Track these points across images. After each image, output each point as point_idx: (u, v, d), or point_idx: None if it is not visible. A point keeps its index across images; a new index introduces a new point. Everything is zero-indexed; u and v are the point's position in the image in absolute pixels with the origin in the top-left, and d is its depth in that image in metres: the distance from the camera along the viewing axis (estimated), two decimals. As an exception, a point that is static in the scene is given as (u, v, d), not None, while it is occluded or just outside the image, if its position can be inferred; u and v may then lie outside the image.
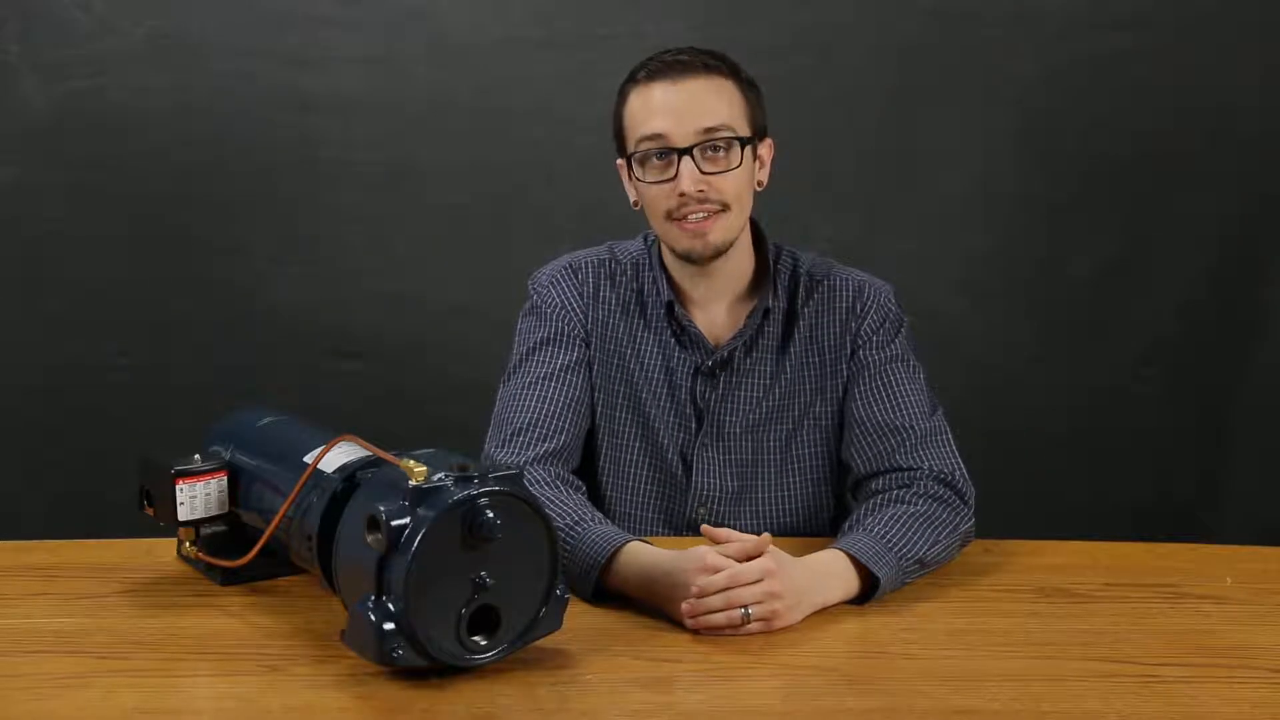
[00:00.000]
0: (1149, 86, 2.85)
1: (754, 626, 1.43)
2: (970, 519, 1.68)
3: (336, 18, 2.79)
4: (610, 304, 1.83)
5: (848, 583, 1.52)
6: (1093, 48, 2.84)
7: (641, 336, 1.82)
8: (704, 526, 1.53)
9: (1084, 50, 2.84)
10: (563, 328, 1.81)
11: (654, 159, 1.70)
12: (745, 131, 1.71)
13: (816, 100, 2.80)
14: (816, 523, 1.82)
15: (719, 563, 1.45)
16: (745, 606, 1.42)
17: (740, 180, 1.71)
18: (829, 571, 1.52)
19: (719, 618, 1.43)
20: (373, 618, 1.26)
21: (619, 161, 1.78)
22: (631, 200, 1.78)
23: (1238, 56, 2.85)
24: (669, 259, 1.81)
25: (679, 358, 1.81)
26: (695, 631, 1.44)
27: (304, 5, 2.78)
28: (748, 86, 1.74)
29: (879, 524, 1.59)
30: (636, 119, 1.72)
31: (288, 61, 2.79)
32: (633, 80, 1.73)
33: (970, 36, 2.84)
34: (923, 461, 1.70)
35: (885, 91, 2.85)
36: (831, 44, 2.83)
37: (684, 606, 1.44)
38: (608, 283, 1.84)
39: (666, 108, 1.69)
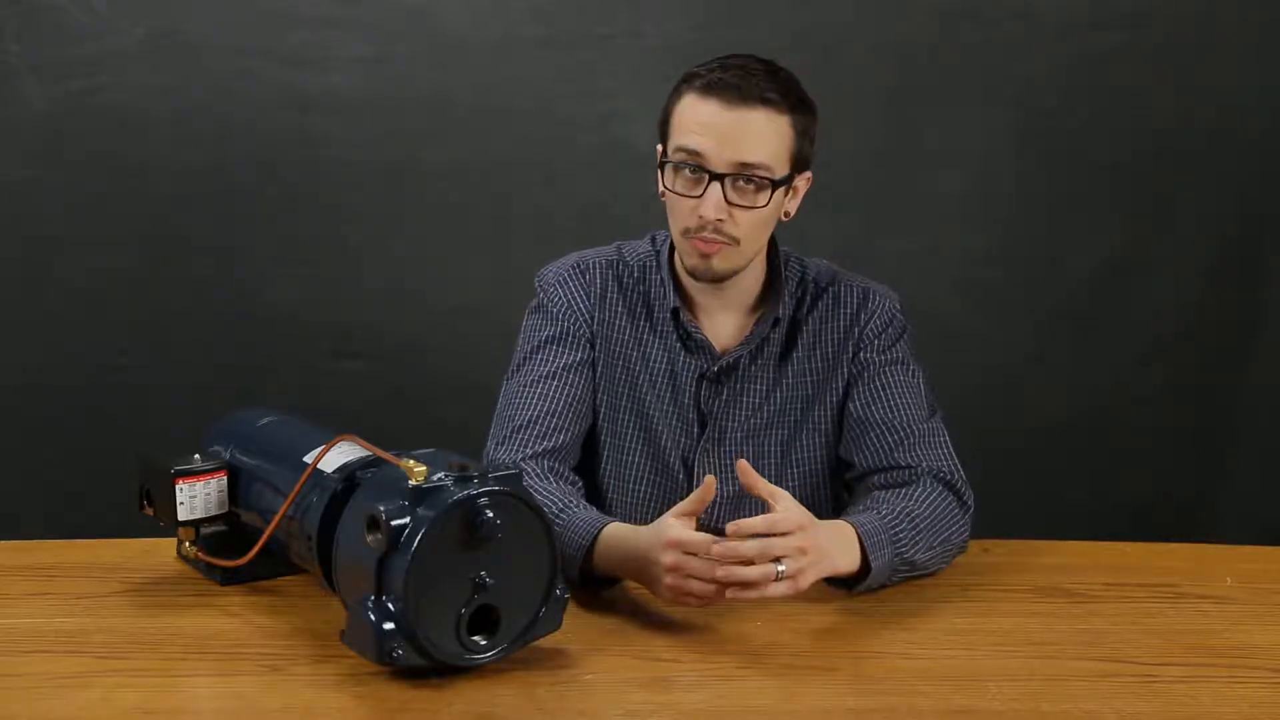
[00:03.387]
0: (1149, 86, 2.85)
1: (780, 586, 1.41)
2: (966, 528, 1.68)
3: (336, 18, 2.79)
4: (617, 306, 1.83)
5: (853, 557, 1.52)
6: (1093, 48, 2.84)
7: (647, 339, 1.82)
8: (729, 525, 1.46)
9: (1084, 50, 2.84)
10: (568, 327, 1.80)
11: (686, 172, 1.67)
12: (783, 171, 1.67)
13: (817, 100, 2.79)
14: (814, 524, 1.82)
15: (681, 535, 1.44)
16: (779, 560, 1.41)
17: (761, 219, 1.68)
18: (843, 540, 1.52)
19: (753, 571, 1.40)
20: (373, 618, 1.26)
21: (658, 147, 1.75)
22: (659, 190, 1.75)
23: (1238, 56, 2.85)
24: (680, 267, 1.80)
25: (684, 362, 1.80)
26: (689, 615, 1.43)
27: (304, 5, 2.78)
28: (803, 120, 1.69)
29: (892, 514, 1.58)
30: (682, 125, 1.68)
31: (288, 61, 2.79)
32: (692, 82, 1.68)
33: (970, 36, 2.83)
34: (921, 460, 1.70)
35: (885, 91, 2.85)
36: (831, 44, 2.82)
37: (716, 549, 1.41)
38: (615, 284, 1.83)
39: (712, 128, 1.64)
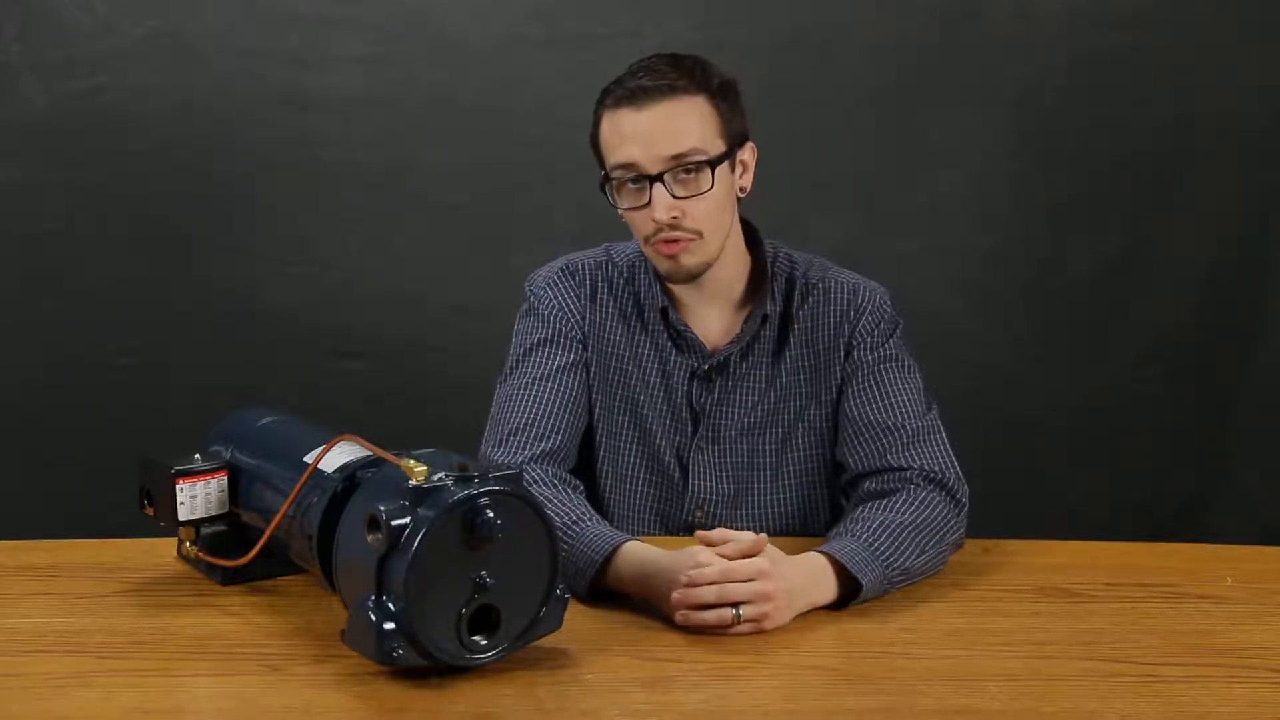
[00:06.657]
0: (1149, 86, 2.85)
1: (744, 627, 1.43)
2: (961, 526, 1.67)
3: (336, 18, 2.79)
4: (607, 306, 1.83)
5: (829, 588, 1.52)
6: (1093, 48, 2.84)
7: (639, 339, 1.82)
8: (698, 532, 1.52)
9: (1084, 50, 2.84)
10: (560, 329, 1.81)
11: (628, 185, 1.69)
12: (718, 149, 1.68)
13: (816, 100, 2.80)
14: (812, 525, 1.82)
15: (712, 560, 1.45)
16: (736, 605, 1.42)
17: (714, 203, 1.69)
18: (816, 573, 1.52)
19: (709, 615, 1.43)
20: (373, 617, 1.26)
21: (602, 173, 1.77)
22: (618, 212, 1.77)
23: (1238, 56, 2.85)
24: None
25: (675, 361, 1.80)
26: (686, 629, 1.43)
27: (304, 5, 2.78)
28: (719, 96, 1.70)
29: (868, 531, 1.58)
30: (609, 145, 1.70)
31: (288, 61, 2.79)
32: (602, 103, 1.71)
33: (970, 36, 2.84)
34: (914, 461, 1.70)
35: (885, 91, 2.85)
36: (831, 44, 2.83)
37: (674, 595, 1.43)
38: (604, 285, 1.83)
39: (634, 136, 1.67)
